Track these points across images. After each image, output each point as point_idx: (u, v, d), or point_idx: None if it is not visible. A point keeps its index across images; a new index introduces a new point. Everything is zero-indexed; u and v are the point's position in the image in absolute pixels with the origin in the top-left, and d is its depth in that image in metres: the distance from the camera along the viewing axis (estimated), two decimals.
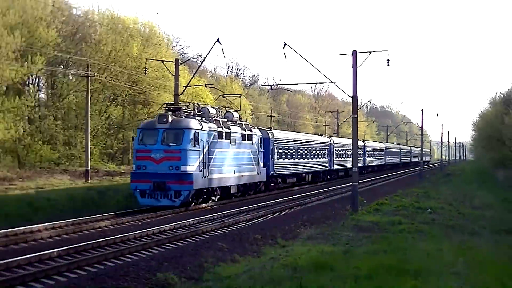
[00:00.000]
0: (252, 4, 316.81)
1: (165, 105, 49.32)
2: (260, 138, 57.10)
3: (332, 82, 49.64)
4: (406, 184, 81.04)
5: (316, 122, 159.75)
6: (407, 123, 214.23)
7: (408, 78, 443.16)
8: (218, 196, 47.68)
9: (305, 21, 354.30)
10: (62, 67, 77.02)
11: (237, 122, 52.19)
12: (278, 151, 64.12)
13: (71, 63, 77.25)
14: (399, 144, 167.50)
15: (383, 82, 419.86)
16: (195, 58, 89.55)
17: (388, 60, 45.93)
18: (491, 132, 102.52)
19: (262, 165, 57.01)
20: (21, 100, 67.94)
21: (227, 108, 54.69)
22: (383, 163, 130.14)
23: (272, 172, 61.49)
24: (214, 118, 46.51)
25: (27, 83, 72.98)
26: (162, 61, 66.08)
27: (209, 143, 44.11)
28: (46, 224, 32.76)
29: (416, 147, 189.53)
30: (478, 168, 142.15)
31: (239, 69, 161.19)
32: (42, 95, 76.90)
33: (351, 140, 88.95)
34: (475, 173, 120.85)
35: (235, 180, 50.44)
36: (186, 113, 44.50)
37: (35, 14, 71.59)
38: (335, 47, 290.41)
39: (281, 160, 65.34)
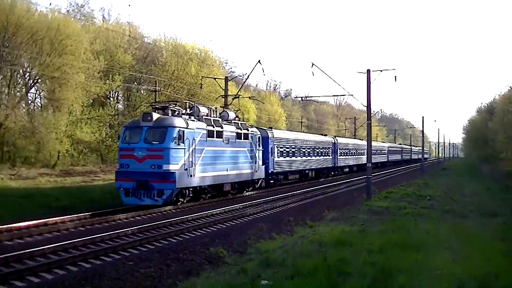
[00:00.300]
0: (286, 32, 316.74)
1: (152, 104, 43.93)
2: (259, 137, 49.31)
3: (350, 95, 50.27)
4: (410, 177, 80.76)
5: (338, 127, 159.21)
6: (410, 127, 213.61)
7: (412, 89, 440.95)
8: (210, 195, 40.56)
9: (329, 44, 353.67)
10: (135, 83, 77.38)
11: (233, 121, 44.69)
12: (278, 150, 56.59)
13: (142, 80, 77.58)
14: (400, 144, 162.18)
15: (391, 93, 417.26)
16: (240, 76, 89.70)
17: (395, 77, 46.07)
18: (478, 135, 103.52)
19: (260, 163, 49.32)
20: (104, 110, 68.79)
21: (224, 108, 49.31)
22: (386, 160, 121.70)
23: (272, 170, 54.09)
24: (204, 117, 39.52)
25: (108, 96, 73.48)
26: (215, 78, 66.32)
27: (196, 142, 36.83)
28: (121, 207, 33.50)
29: (416, 147, 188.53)
30: (467, 163, 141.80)
31: (276, 84, 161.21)
32: (120, 106, 77.47)
33: (355, 139, 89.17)
34: (465, 167, 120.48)
35: (230, 178, 42.77)
36: (175, 111, 37.80)
37: (115, 43, 72.28)
38: (353, 64, 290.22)
39: (281, 158, 57.71)
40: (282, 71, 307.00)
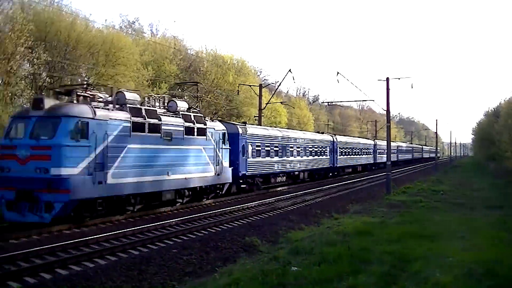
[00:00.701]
0: (315, 44, 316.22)
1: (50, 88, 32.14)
2: (223, 133, 36.43)
3: (371, 100, 49.98)
4: (424, 174, 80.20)
5: (360, 129, 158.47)
6: (425, 129, 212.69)
7: (427, 94, 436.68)
8: (139, 206, 28.12)
9: (353, 54, 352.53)
10: (180, 90, 77.55)
11: (181, 113, 31.64)
12: (254, 149, 43.72)
13: (185, 88, 77.80)
14: (411, 143, 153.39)
15: (408, 98, 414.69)
16: (273, 83, 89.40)
17: (412, 84, 46.20)
18: (485, 136, 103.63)
19: (226, 165, 36.57)
20: None
21: (176, 99, 34.51)
22: (396, 159, 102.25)
23: (244, 172, 41.29)
24: (129, 105, 27.32)
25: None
26: (250, 86, 66.30)
27: (112, 137, 25.20)
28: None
29: (427, 146, 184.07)
30: (475, 162, 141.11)
31: (305, 90, 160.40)
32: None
33: (358, 138, 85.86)
34: (474, 165, 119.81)
35: (172, 184, 30.03)
36: (87, 97, 26.27)
37: (162, 54, 72.41)
38: (375, 72, 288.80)
39: (258, 158, 44.64)
40: (311, 79, 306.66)
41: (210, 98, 75.59)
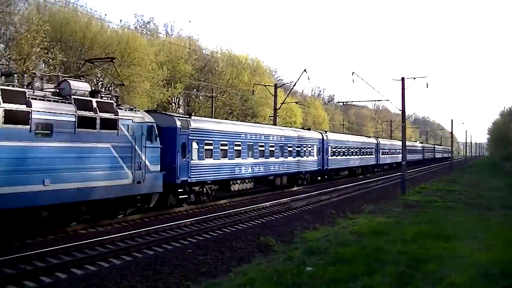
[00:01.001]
0: (330, 43, 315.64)
1: None
2: (149, 127, 27.05)
3: (387, 100, 49.99)
4: (440, 174, 79.93)
5: (375, 129, 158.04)
6: (441, 129, 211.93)
7: (442, 94, 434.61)
8: None
9: (367, 53, 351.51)
10: (195, 90, 77.69)
11: (73, 98, 22.54)
12: (201, 148, 33.17)
13: (201, 87, 77.89)
14: (422, 142, 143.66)
15: (424, 98, 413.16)
16: (288, 83, 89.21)
17: (427, 84, 45.79)
18: (501, 136, 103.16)
19: (153, 169, 27.03)
20: None
21: (72, 79, 25.03)
22: (375, 162, 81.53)
23: (185, 178, 31.00)
24: None
25: (170, 102, 73.82)
26: (265, 86, 66.30)
27: None
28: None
29: (440, 145, 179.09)
30: (491, 161, 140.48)
31: (320, 90, 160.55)
32: (181, 110, 77.60)
33: (355, 136, 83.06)
34: (489, 165, 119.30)
35: (49, 197, 20.51)
36: None
37: (177, 54, 72.61)
38: (390, 71, 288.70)
39: (208, 161, 33.88)
40: (326, 78, 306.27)
41: (225, 98, 75.72)
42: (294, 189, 46.38)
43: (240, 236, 22.68)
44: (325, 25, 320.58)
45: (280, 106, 60.94)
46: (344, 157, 62.21)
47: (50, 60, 48.59)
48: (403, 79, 44.18)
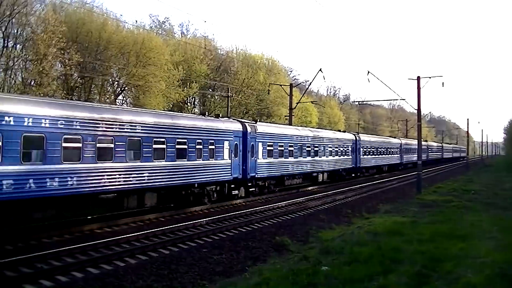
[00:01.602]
0: (345, 42, 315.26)
1: None
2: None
3: (402, 99, 49.50)
4: (456, 173, 79.64)
5: (391, 128, 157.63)
6: (456, 128, 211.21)
7: (458, 93, 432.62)
8: None
9: (383, 52, 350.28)
10: (210, 90, 77.82)
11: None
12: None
13: (216, 87, 78.03)
14: (426, 141, 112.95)
15: (440, 97, 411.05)
16: (303, 83, 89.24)
17: (443, 83, 45.70)
18: None
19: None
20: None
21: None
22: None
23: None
24: None
25: (186, 102, 74.03)
26: (281, 85, 66.33)
27: None
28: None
29: (449, 144, 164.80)
30: (507, 161, 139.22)
31: (335, 90, 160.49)
32: (196, 110, 77.79)
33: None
34: (506, 164, 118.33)
35: None
36: None
37: (192, 54, 72.79)
38: (405, 70, 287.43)
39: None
40: (341, 78, 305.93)
41: (240, 97, 75.81)
42: (310, 188, 46.37)
43: (255, 235, 22.70)
44: (340, 24, 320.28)
45: (296, 106, 60.85)
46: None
47: (66, 60, 48.87)
48: (418, 78, 44.15)
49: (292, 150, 42.85)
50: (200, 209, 30.71)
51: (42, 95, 42.31)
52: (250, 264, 17.74)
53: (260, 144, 37.61)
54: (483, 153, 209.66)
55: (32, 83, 48.20)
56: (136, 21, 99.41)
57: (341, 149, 55.03)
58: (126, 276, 15.59)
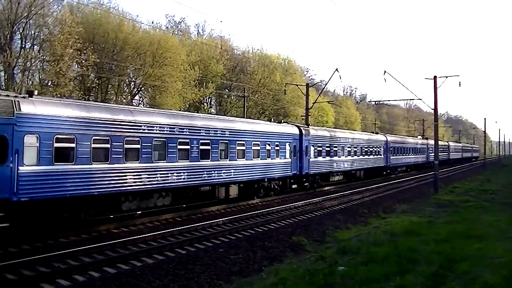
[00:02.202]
0: (361, 42, 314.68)
1: None
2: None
3: (419, 99, 49.11)
4: (472, 173, 79.36)
5: (408, 128, 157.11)
6: (473, 128, 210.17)
7: (475, 92, 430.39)
8: None
9: (399, 52, 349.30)
10: (226, 90, 77.95)
11: None
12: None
13: (232, 87, 78.13)
14: (426, 138, 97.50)
15: (457, 96, 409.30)
16: (320, 83, 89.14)
17: (460, 82, 45.43)
18: None
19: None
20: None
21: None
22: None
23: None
24: None
25: (202, 102, 74.21)
26: (297, 85, 66.21)
27: None
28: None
29: (458, 143, 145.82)
30: None
31: (352, 90, 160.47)
32: (212, 110, 78.00)
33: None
34: None
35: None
36: None
37: (209, 54, 73.04)
38: (422, 69, 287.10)
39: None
40: (358, 77, 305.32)
41: (257, 98, 75.84)
42: (326, 189, 46.44)
43: (272, 235, 22.71)
44: (356, 24, 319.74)
45: (312, 106, 60.76)
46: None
47: (82, 61, 49.13)
48: (435, 77, 43.95)
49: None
50: (216, 209, 30.86)
51: (59, 95, 42.57)
52: (266, 264, 17.75)
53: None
54: (500, 152, 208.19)
55: (49, 83, 48.51)
56: (153, 21, 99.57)
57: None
58: (143, 275, 15.67)
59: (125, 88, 63.55)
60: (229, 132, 31.88)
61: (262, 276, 15.53)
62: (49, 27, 49.12)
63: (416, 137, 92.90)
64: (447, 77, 44.15)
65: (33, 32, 49.17)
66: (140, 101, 67.62)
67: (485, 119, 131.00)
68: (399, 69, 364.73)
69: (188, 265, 16.95)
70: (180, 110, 40.92)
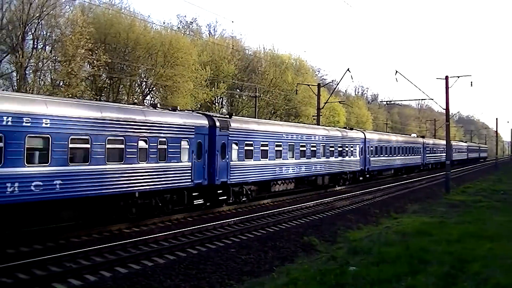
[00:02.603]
0: (373, 42, 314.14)
1: None
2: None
3: (430, 99, 49.17)
4: (485, 173, 79.14)
5: (419, 128, 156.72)
6: (485, 128, 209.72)
7: (487, 92, 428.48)
8: None
9: (411, 52, 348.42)
10: (238, 90, 78.00)
11: None
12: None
13: (244, 87, 78.17)
14: (422, 137, 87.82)
15: (468, 96, 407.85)
16: (331, 83, 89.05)
17: (471, 82, 45.44)
18: None
19: None
20: None
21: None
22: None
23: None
24: None
25: (214, 102, 74.27)
26: (308, 85, 66.28)
27: None
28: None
29: (463, 142, 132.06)
30: None
31: (363, 90, 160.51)
32: (224, 110, 78.00)
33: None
34: None
35: None
36: None
37: (220, 54, 73.08)
38: (434, 69, 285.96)
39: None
40: (369, 77, 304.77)
41: (268, 98, 75.87)
42: (337, 188, 46.26)
43: (283, 235, 22.71)
44: (368, 24, 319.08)
45: (324, 106, 60.70)
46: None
47: (94, 61, 49.28)
48: (447, 77, 43.97)
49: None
50: (227, 209, 30.87)
51: (70, 96, 42.69)
52: (277, 264, 17.79)
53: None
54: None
55: (61, 84, 48.67)
56: (164, 21, 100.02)
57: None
58: (154, 275, 15.71)
59: (137, 88, 63.65)
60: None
61: (273, 276, 15.57)
62: (60, 28, 49.30)
63: (410, 134, 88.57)
64: (458, 77, 44.25)
65: (45, 33, 49.40)
66: (151, 101, 67.83)
67: (496, 119, 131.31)
68: (411, 69, 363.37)
69: (200, 265, 16.99)
70: (192, 111, 40.24)
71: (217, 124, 29.90)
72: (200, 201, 28.45)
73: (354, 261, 16.32)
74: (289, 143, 38.09)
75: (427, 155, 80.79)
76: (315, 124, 54.79)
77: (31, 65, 46.96)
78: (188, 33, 79.02)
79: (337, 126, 64.31)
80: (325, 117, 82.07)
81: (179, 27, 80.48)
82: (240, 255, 18.69)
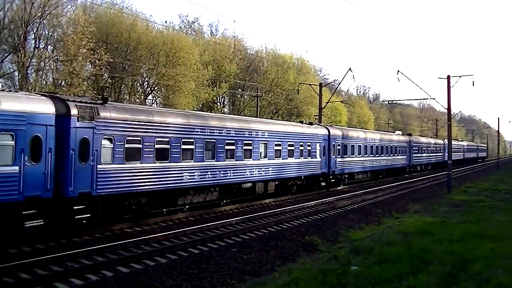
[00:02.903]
0: (374, 41, 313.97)
1: None
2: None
3: (432, 98, 49.22)
4: (486, 173, 79.09)
5: (421, 127, 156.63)
6: (487, 127, 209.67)
7: (489, 91, 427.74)
8: None
9: (412, 51, 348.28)
10: (239, 90, 77.97)
11: None
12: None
13: (245, 87, 78.14)
14: (409, 135, 78.71)
15: (470, 95, 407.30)
16: (333, 82, 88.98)
17: (473, 82, 45.37)
18: None
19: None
20: None
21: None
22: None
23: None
24: None
25: (215, 101, 74.24)
26: (310, 85, 66.20)
27: None
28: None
29: (461, 142, 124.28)
30: None
31: (365, 89, 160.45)
32: (226, 109, 78.03)
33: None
34: None
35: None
36: None
37: (222, 54, 73.08)
38: (435, 69, 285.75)
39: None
40: (371, 77, 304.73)
41: (270, 97, 75.85)
42: (339, 188, 46.22)
43: (285, 235, 22.72)
44: (370, 23, 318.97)
45: (325, 105, 60.68)
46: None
47: (96, 61, 49.26)
48: (448, 77, 43.91)
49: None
50: (229, 208, 30.87)
51: (73, 95, 42.67)
52: (279, 263, 17.78)
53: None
54: None
55: (63, 83, 48.66)
56: (166, 21, 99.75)
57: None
58: (156, 275, 15.71)
59: (139, 88, 63.69)
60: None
61: (275, 275, 15.56)
62: (62, 27, 49.29)
63: (393, 132, 79.13)
64: (460, 76, 44.18)
65: (46, 32, 49.38)
66: (153, 101, 67.86)
67: (498, 118, 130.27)
68: (413, 69, 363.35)
69: (201, 265, 16.99)
70: (194, 110, 38.20)
71: (73, 112, 20.91)
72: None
73: (355, 261, 16.32)
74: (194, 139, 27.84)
75: (414, 155, 72.93)
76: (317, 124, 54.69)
77: (33, 65, 46.98)
78: (190, 32, 79.08)
79: (339, 125, 64.28)
80: (327, 116, 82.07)
81: (181, 27, 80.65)
82: (242, 254, 18.69)
